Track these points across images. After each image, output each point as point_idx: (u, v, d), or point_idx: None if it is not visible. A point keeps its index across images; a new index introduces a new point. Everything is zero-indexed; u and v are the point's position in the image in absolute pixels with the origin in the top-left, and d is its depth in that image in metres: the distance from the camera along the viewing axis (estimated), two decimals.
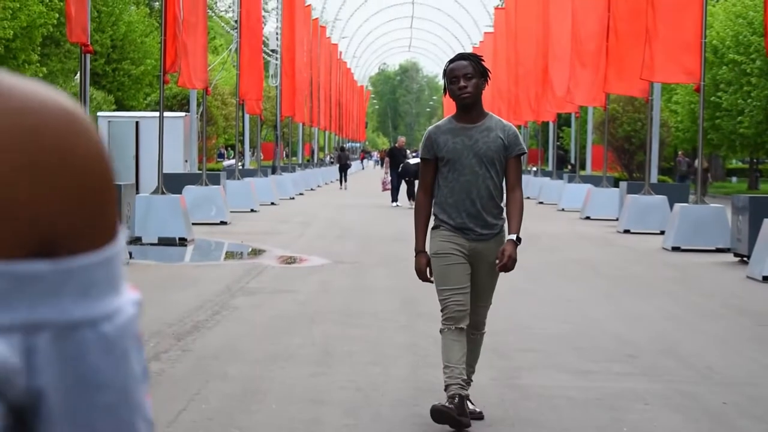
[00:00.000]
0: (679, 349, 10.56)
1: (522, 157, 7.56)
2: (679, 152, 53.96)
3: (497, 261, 7.14)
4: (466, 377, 7.23)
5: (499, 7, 63.51)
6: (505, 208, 7.33)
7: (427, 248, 7.33)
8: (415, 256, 7.27)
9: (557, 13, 36.91)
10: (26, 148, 0.96)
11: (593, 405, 8.14)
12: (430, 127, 7.46)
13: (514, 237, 7.20)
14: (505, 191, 7.36)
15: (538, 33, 40.99)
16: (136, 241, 21.04)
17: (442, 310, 7.20)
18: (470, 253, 7.22)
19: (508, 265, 7.11)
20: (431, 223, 7.40)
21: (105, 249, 1.02)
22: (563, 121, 57.89)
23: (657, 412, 8.01)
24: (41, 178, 0.97)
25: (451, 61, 7.36)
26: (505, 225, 7.28)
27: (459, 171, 7.20)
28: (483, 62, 7.34)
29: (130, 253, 18.31)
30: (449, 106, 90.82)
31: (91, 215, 1.01)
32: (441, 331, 7.21)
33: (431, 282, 7.23)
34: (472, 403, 7.41)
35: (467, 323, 7.18)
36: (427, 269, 7.21)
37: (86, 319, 1.01)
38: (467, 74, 7.17)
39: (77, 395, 1.01)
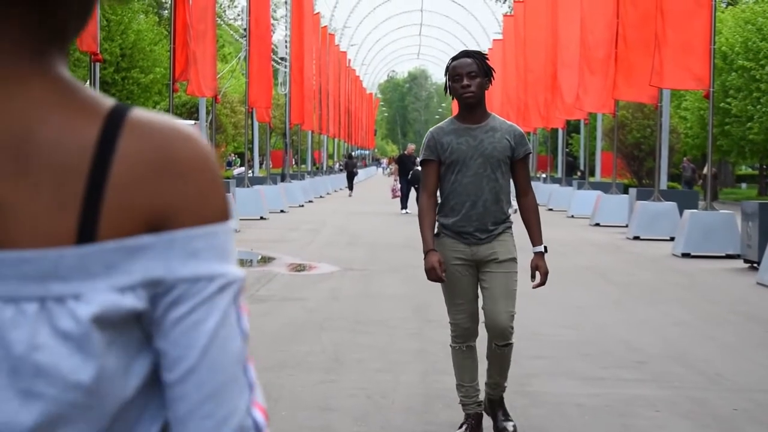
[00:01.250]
0: (689, 356, 10.55)
1: (529, 161, 7.23)
2: (684, 159, 53.89)
3: (532, 279, 6.96)
4: (480, 398, 7.12)
5: (508, 14, 63.50)
6: (510, 213, 7.06)
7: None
8: (425, 256, 6.83)
9: (566, 19, 36.93)
10: (155, 158, 1.35)
11: (603, 412, 8.14)
12: (432, 129, 7.14)
13: (541, 248, 6.97)
14: (513, 196, 7.12)
15: (547, 40, 41.00)
16: None
17: (450, 325, 7.03)
18: (473, 258, 6.92)
19: (545, 282, 6.97)
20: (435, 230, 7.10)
21: (208, 226, 1.37)
22: (572, 127, 57.90)
23: (666, 418, 8.01)
24: (158, 175, 1.35)
25: (454, 59, 7.03)
26: (510, 227, 7.01)
27: (463, 172, 6.90)
28: (488, 60, 7.03)
29: None
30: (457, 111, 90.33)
31: (195, 200, 1.36)
32: (451, 346, 7.07)
33: (444, 281, 6.85)
34: (507, 418, 7.29)
35: (476, 337, 7.01)
36: (440, 265, 6.78)
37: (189, 276, 1.35)
38: (471, 72, 6.87)
39: (186, 341, 1.36)
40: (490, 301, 6.88)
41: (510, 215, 7.03)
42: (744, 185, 72.28)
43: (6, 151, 1.31)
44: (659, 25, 22.78)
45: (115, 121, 1.35)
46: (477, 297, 6.97)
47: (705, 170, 52.68)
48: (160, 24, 63.57)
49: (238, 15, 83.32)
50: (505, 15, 65.47)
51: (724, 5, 62.55)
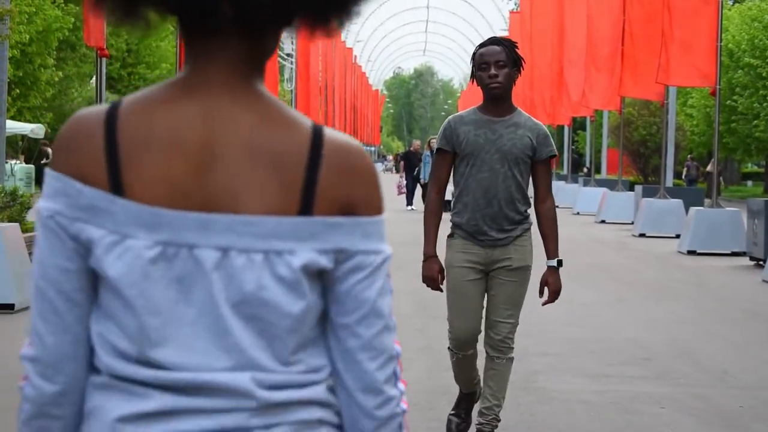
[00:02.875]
0: (695, 353, 10.55)
1: (551, 165, 6.74)
2: (688, 156, 53.86)
3: (540, 294, 6.56)
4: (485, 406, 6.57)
5: (514, 11, 63.49)
6: (528, 215, 6.53)
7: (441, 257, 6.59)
8: (424, 262, 6.47)
9: (572, 16, 36.91)
10: (346, 166, 1.95)
11: (609, 408, 8.14)
12: (451, 116, 6.62)
13: (554, 263, 6.52)
14: (532, 200, 6.59)
15: (553, 37, 40.96)
16: None
17: (448, 331, 6.63)
18: (486, 262, 6.44)
19: (554, 299, 6.55)
20: (448, 230, 6.60)
21: (376, 216, 1.98)
22: (578, 124, 57.87)
23: (672, 415, 8.01)
24: (350, 174, 1.95)
25: (482, 45, 6.49)
26: (529, 229, 6.51)
27: (477, 167, 6.38)
28: (517, 49, 6.49)
29: None
30: (464, 109, 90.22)
31: (369, 197, 1.98)
32: (448, 349, 6.70)
33: (441, 290, 6.52)
34: None
35: (475, 346, 6.57)
36: (439, 276, 6.45)
37: (365, 250, 1.95)
38: (499, 62, 6.34)
39: (362, 296, 1.96)
40: (492, 309, 6.49)
41: (528, 215, 6.53)
42: (750, 183, 72.22)
43: (242, 149, 1.89)
44: (666, 22, 22.75)
45: (318, 136, 1.94)
46: (482, 306, 6.56)
47: (709, 167, 52.70)
48: (166, 20, 63.59)
49: None
50: (511, 12, 65.41)
51: (730, 2, 62.46)
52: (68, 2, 41.74)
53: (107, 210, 1.87)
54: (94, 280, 1.93)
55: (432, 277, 6.45)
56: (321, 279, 1.96)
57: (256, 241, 1.88)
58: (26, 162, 40.60)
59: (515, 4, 78.18)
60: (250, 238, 1.88)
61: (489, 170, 6.39)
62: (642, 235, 25.98)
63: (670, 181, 31.00)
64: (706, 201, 25.68)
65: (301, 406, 1.94)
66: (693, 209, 22.42)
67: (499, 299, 6.46)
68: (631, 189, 33.52)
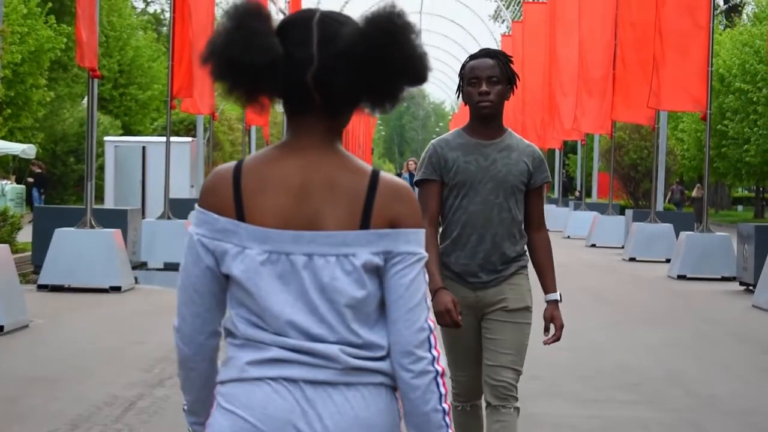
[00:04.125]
0: (684, 378, 10.55)
1: (544, 191, 6.01)
2: (675, 181, 53.92)
3: (545, 334, 5.72)
4: None
5: (506, 34, 63.56)
6: (524, 251, 5.79)
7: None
8: (435, 296, 5.40)
9: (564, 40, 36.96)
10: (393, 194, 2.85)
11: None
12: (436, 140, 5.79)
13: (556, 296, 5.75)
14: (524, 231, 5.79)
15: (545, 60, 41.02)
16: (141, 266, 21.06)
17: (451, 380, 5.83)
18: (477, 306, 5.65)
19: (560, 336, 5.76)
20: None
21: (414, 228, 2.82)
22: (569, 148, 57.94)
23: None
24: (396, 201, 2.83)
25: (473, 57, 5.71)
26: (525, 266, 5.77)
27: (469, 198, 5.62)
28: (512, 64, 5.72)
29: (136, 278, 18.33)
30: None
31: (408, 216, 2.83)
32: (452, 404, 5.74)
33: (460, 324, 5.43)
34: None
35: (482, 395, 5.80)
36: (455, 306, 5.43)
37: (404, 251, 2.80)
38: (492, 77, 5.57)
39: (401, 283, 2.83)
40: (492, 354, 5.63)
41: (525, 252, 5.79)
42: (740, 207, 72.34)
43: (325, 188, 2.82)
44: (657, 46, 22.81)
45: (375, 176, 2.84)
46: (480, 350, 5.74)
47: (694, 192, 52.73)
48: (158, 41, 63.63)
49: None
50: (503, 35, 65.50)
51: (722, 27, 62.68)
52: (60, 23, 41.78)
53: (234, 231, 2.83)
54: (221, 282, 2.88)
55: (447, 309, 5.40)
56: (377, 273, 2.83)
57: (330, 248, 2.80)
58: (17, 182, 40.55)
59: (507, 28, 78.35)
60: (326, 246, 2.80)
61: (482, 202, 5.63)
62: (632, 259, 26.00)
63: (660, 205, 31.03)
64: (697, 226, 25.68)
65: (370, 373, 2.83)
66: (683, 234, 22.43)
67: (498, 343, 5.63)
68: (622, 213, 33.56)
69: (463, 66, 5.71)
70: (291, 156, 2.86)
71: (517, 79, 5.71)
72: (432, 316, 2.89)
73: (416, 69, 2.83)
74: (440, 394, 2.86)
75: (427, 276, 2.86)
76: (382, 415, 2.84)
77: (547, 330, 5.71)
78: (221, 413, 2.83)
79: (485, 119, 5.64)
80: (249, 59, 2.77)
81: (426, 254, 2.85)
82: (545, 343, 5.69)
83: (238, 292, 2.85)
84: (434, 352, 2.83)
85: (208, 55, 2.84)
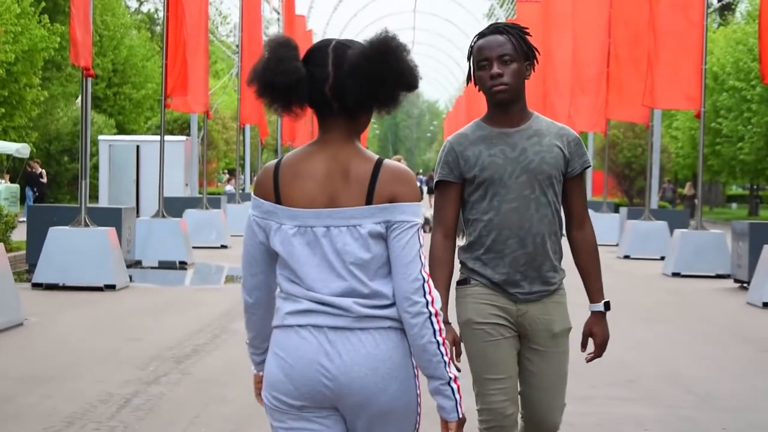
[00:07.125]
0: (679, 375, 10.55)
1: (585, 178, 5.33)
2: (665, 180, 53.97)
3: (582, 348, 5.16)
4: None
5: None
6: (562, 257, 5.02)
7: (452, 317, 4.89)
8: None
9: (558, 38, 36.95)
10: (394, 176, 3.64)
11: (593, 430, 8.13)
12: (452, 136, 4.96)
13: (601, 307, 5.06)
14: (564, 227, 4.99)
15: (539, 58, 40.98)
16: (136, 264, 21.03)
17: (480, 411, 4.88)
18: (517, 322, 4.90)
19: (602, 354, 5.15)
20: (455, 275, 4.92)
21: (410, 202, 3.60)
22: None
23: None
24: (394, 182, 3.61)
25: (480, 35, 4.90)
26: (564, 277, 5.06)
27: (501, 196, 4.81)
28: (528, 36, 4.94)
29: (131, 277, 18.31)
30: (449, 131, 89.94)
31: (406, 192, 3.60)
32: None
33: (458, 368, 4.26)
34: None
35: (517, 426, 4.94)
36: (457, 346, 4.83)
37: (400, 220, 3.59)
38: (504, 56, 4.79)
39: (399, 243, 3.60)
40: (537, 391, 4.94)
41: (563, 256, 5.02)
42: (734, 205, 72.39)
43: (341, 174, 3.60)
44: (651, 44, 22.81)
45: (379, 163, 3.60)
46: (517, 373, 4.96)
47: (685, 190, 52.71)
48: (152, 40, 63.54)
49: (231, 32, 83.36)
50: None
51: (715, 25, 62.71)
52: (54, 22, 41.72)
53: (274, 212, 3.66)
54: (270, 252, 3.71)
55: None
56: (382, 238, 3.58)
57: (343, 220, 3.58)
58: (11, 181, 40.50)
59: None
60: (339, 219, 3.58)
61: (517, 198, 4.83)
62: (627, 257, 26.01)
63: (655, 203, 31.03)
64: (691, 223, 25.69)
65: (379, 319, 3.59)
66: (678, 231, 22.45)
67: (544, 379, 4.96)
68: (616, 211, 33.56)
69: (471, 48, 4.93)
70: (318, 151, 3.66)
71: (537, 53, 4.97)
72: (427, 268, 3.59)
73: (409, 79, 3.58)
74: (434, 330, 3.56)
75: (422, 237, 3.63)
76: (390, 351, 3.59)
77: (584, 346, 5.13)
78: (272, 355, 3.69)
79: (503, 105, 4.85)
80: (280, 81, 3.56)
81: (419, 221, 3.61)
82: (587, 361, 5.16)
83: (280, 257, 3.67)
84: (428, 297, 3.56)
85: (251, 79, 3.62)
